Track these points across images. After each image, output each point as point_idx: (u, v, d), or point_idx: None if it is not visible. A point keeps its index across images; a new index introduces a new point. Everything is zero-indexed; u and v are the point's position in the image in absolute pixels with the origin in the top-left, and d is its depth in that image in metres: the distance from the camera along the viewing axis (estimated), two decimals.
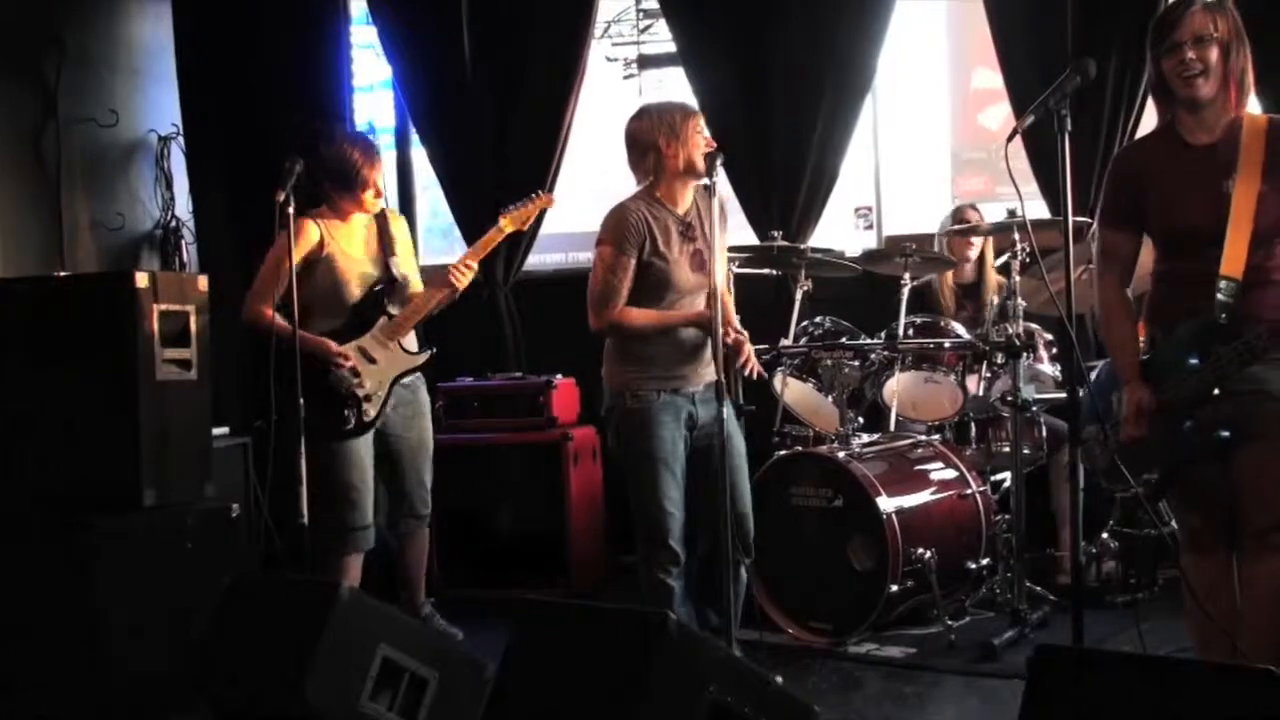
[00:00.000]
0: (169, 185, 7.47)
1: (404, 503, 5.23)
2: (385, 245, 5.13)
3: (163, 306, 4.65)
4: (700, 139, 4.48)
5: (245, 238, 6.92)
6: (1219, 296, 3.50)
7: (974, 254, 6.11)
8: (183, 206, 7.50)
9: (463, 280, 5.07)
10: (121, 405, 4.55)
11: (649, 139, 4.47)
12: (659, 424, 4.45)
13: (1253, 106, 3.76)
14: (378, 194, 5.10)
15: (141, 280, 4.61)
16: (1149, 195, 3.68)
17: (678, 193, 4.54)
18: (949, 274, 6.11)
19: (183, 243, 7.45)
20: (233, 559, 4.73)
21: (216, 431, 5.37)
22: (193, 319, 4.76)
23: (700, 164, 4.44)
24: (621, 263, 4.42)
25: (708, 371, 4.49)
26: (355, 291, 5.05)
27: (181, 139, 7.45)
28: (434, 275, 5.21)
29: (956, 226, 6.05)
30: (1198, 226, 3.56)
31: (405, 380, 5.14)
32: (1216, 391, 3.51)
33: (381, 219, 5.19)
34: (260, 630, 3.59)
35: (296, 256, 4.86)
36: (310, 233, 5.00)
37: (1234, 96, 3.57)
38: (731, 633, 4.29)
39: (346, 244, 5.08)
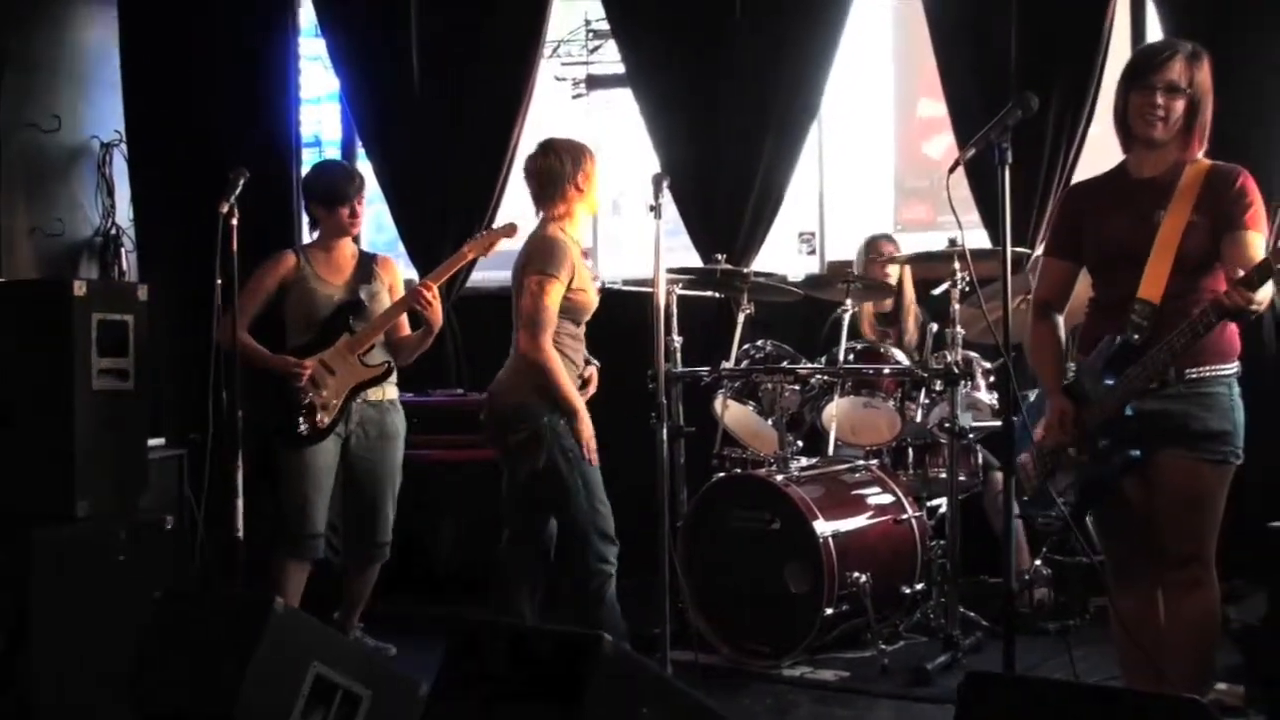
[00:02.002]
0: (110, 192, 7.41)
1: (358, 527, 5.21)
2: (361, 276, 5.23)
3: (101, 315, 4.62)
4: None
5: (187, 247, 6.89)
6: (1133, 317, 3.61)
7: (892, 283, 6.16)
8: (123, 214, 7.44)
9: (427, 299, 5.09)
10: (56, 414, 4.50)
11: (563, 173, 4.64)
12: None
13: None
14: (354, 214, 5.20)
15: (79, 288, 4.57)
16: (1087, 224, 3.80)
17: (581, 225, 4.74)
18: (868, 303, 6.17)
19: (123, 251, 7.39)
20: (166, 572, 4.69)
21: (152, 443, 5.32)
22: (131, 328, 4.73)
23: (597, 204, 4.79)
24: (558, 291, 4.54)
25: None
26: (327, 310, 5.15)
27: (124, 146, 7.39)
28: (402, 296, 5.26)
29: (886, 256, 6.11)
30: (1126, 251, 3.67)
31: (373, 399, 5.17)
32: (1129, 412, 3.62)
33: (369, 258, 5.34)
34: (192, 645, 3.56)
35: (273, 280, 5.13)
36: (287, 259, 5.18)
37: (1192, 146, 3.68)
38: (665, 653, 4.31)
39: (326, 270, 5.20)
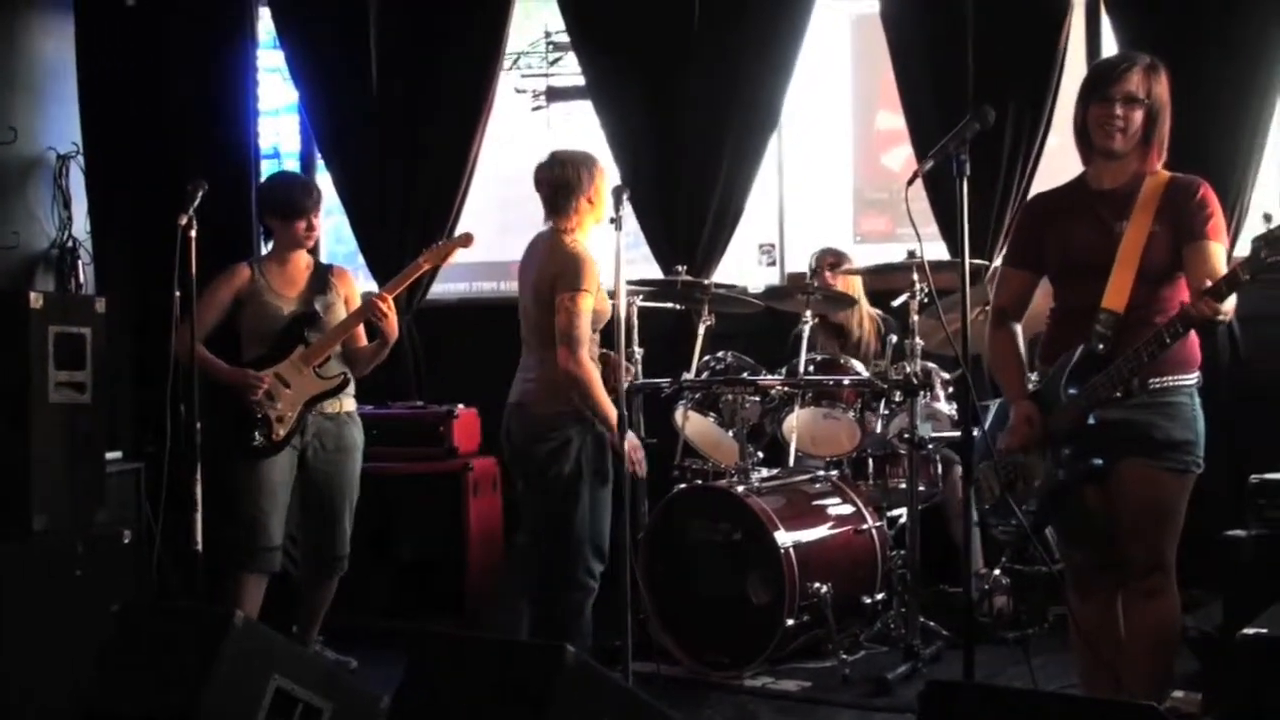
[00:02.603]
0: (67, 204, 7.34)
1: (316, 540, 5.19)
2: (317, 288, 5.22)
3: (58, 328, 4.58)
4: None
5: (144, 260, 6.84)
6: (1097, 328, 3.64)
7: (850, 292, 6.19)
8: (80, 226, 7.37)
9: (383, 310, 5.07)
10: (13, 428, 4.47)
11: (577, 185, 4.68)
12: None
13: None
14: (310, 227, 5.19)
15: (36, 300, 4.54)
16: (1048, 234, 3.84)
17: (590, 235, 4.75)
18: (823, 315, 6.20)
19: (80, 263, 7.32)
20: (124, 586, 4.65)
21: (110, 456, 5.28)
22: (89, 341, 4.70)
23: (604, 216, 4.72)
24: (589, 304, 4.58)
25: None
26: (282, 322, 5.13)
27: (81, 158, 7.33)
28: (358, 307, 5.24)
29: (846, 268, 6.15)
30: (1088, 262, 3.70)
31: (330, 412, 5.15)
32: (1093, 420, 3.65)
33: (324, 269, 5.33)
34: (151, 660, 3.53)
35: (228, 293, 5.10)
36: (242, 273, 5.15)
37: (1151, 157, 3.73)
38: (628, 664, 4.32)
39: (280, 282, 5.18)
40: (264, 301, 5.12)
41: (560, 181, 4.71)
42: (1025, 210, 4.08)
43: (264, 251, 5.30)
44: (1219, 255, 3.60)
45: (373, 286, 6.66)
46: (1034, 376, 3.90)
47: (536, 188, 4.78)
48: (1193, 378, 3.72)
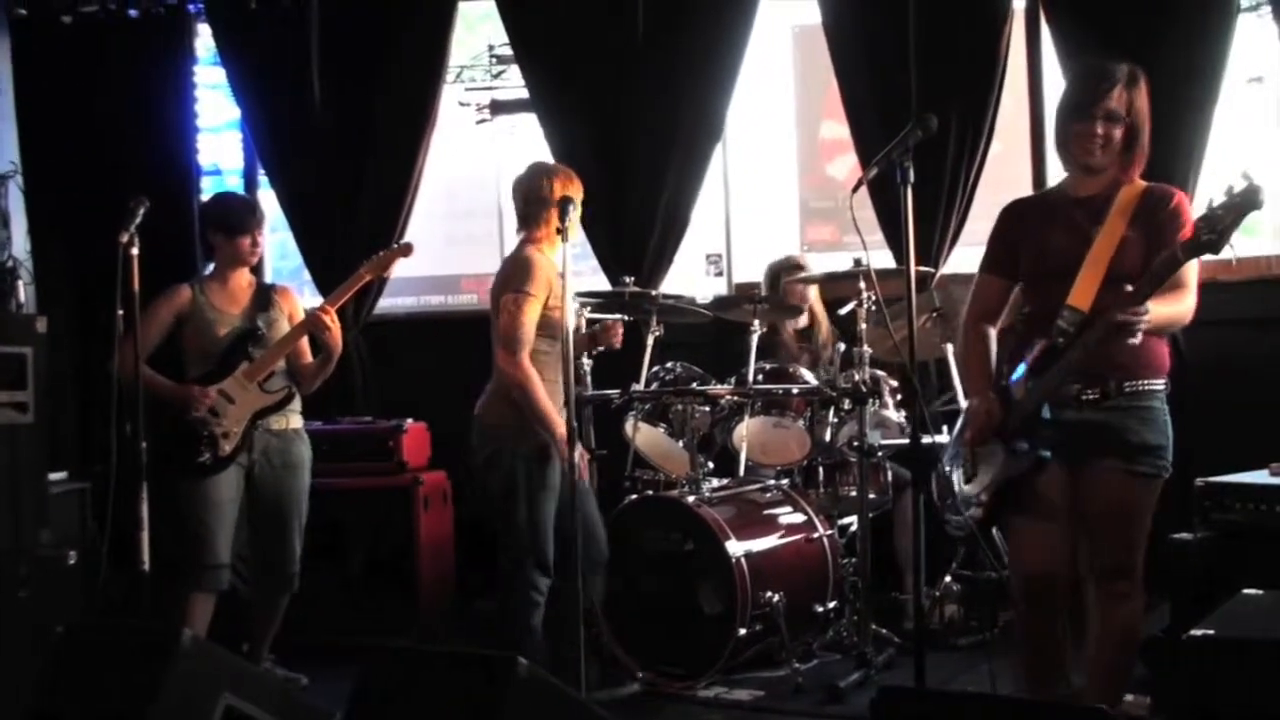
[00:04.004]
0: (6, 224, 7.26)
1: (265, 557, 5.15)
2: (259, 305, 5.20)
3: None
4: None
5: (86, 278, 6.78)
6: (1059, 323, 3.63)
7: (809, 302, 6.22)
8: (20, 246, 7.29)
9: (326, 323, 5.05)
10: None
11: (551, 197, 4.72)
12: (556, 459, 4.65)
13: None
14: (255, 244, 5.17)
15: None
16: (1024, 240, 3.85)
17: (556, 247, 4.76)
18: (788, 321, 6.22)
19: (19, 283, 7.24)
20: (70, 608, 4.60)
21: (54, 476, 5.23)
22: (30, 361, 4.65)
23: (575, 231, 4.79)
24: (534, 308, 4.60)
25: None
26: (225, 341, 5.11)
27: (20, 177, 7.25)
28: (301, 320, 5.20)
29: (803, 275, 6.15)
30: (1060, 265, 3.70)
31: (276, 429, 5.13)
32: (1046, 414, 3.67)
33: (267, 288, 5.34)
34: (97, 681, 3.48)
35: (168, 313, 5.07)
36: (182, 293, 5.13)
37: (1131, 169, 3.75)
38: (581, 675, 4.31)
39: (221, 300, 5.16)
40: (206, 320, 5.10)
41: (530, 192, 4.78)
42: (1002, 216, 4.03)
43: (206, 271, 5.27)
44: (1189, 268, 3.60)
45: (318, 302, 6.63)
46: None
47: (512, 197, 4.85)
48: (1163, 382, 3.75)
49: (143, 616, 4.52)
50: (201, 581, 4.97)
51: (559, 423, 4.53)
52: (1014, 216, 3.96)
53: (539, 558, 4.63)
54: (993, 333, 3.97)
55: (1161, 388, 3.74)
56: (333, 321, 5.07)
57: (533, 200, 4.77)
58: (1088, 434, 3.68)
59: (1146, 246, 3.63)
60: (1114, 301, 3.52)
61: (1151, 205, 3.69)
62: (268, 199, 7.22)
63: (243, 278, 5.24)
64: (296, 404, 5.21)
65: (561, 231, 4.49)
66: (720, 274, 7.01)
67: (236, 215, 5.17)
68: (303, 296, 5.55)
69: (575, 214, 4.64)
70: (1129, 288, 3.46)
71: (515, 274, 4.66)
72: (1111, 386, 3.65)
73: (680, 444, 5.65)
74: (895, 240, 6.11)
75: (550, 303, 4.66)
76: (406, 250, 5.26)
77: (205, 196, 7.06)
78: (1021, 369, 3.74)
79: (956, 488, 3.91)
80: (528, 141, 6.94)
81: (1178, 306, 3.65)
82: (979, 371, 3.93)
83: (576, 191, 4.78)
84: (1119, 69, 3.74)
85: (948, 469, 3.97)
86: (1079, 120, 3.71)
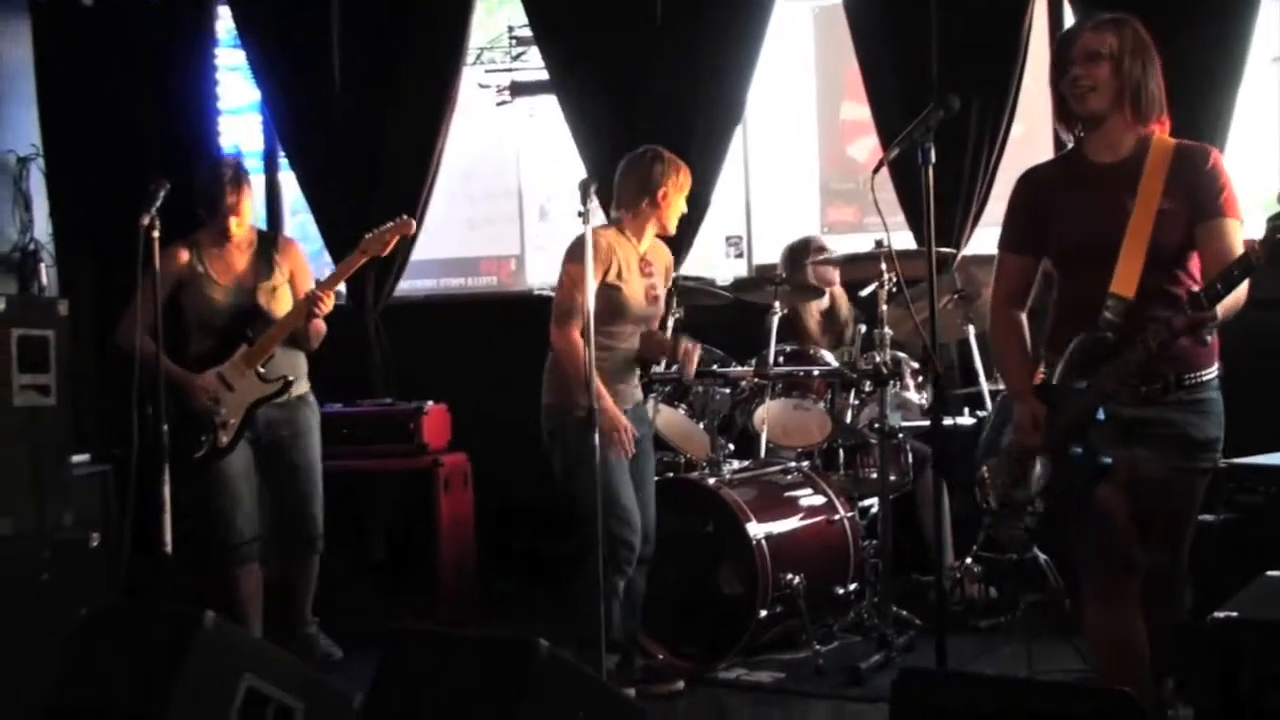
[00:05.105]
0: (28, 207, 7.28)
1: (288, 526, 5.20)
2: (259, 271, 5.14)
3: (21, 331, 4.55)
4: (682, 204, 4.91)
5: (107, 261, 6.80)
6: (1105, 314, 3.38)
7: (832, 283, 6.20)
8: (41, 229, 7.32)
9: (324, 307, 5.05)
10: None
11: (656, 183, 4.78)
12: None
13: None
14: (240, 221, 5.13)
15: None
16: (1050, 216, 3.58)
17: (645, 234, 4.84)
18: (812, 303, 6.19)
19: (41, 265, 7.26)
20: (93, 590, 4.62)
21: (76, 458, 5.25)
22: (52, 344, 4.66)
23: (672, 226, 4.90)
24: (585, 281, 4.51)
25: (635, 393, 4.95)
26: (225, 314, 5.09)
27: (41, 160, 7.28)
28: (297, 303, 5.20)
29: (824, 256, 6.12)
30: (1095, 242, 3.45)
31: (279, 400, 5.14)
32: (1101, 416, 3.40)
33: (268, 244, 5.27)
34: (119, 662, 3.50)
35: (167, 279, 4.91)
36: (179, 256, 5.08)
37: (1129, 110, 3.47)
38: (602, 657, 4.32)
39: (219, 267, 5.13)
40: (203, 287, 5.10)
41: (627, 174, 4.84)
42: (1020, 188, 3.70)
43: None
44: (1235, 233, 3.38)
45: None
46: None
47: (616, 175, 4.89)
48: (1216, 369, 3.47)
49: (166, 599, 4.54)
50: (235, 556, 5.05)
51: (600, 398, 4.49)
52: (1034, 188, 3.66)
53: (620, 516, 4.64)
54: (1023, 318, 3.70)
55: (1216, 375, 3.47)
56: (329, 302, 5.08)
57: (631, 180, 4.83)
58: (1148, 431, 3.40)
59: (1187, 218, 3.38)
60: (1162, 282, 3.35)
61: (1185, 168, 3.41)
62: (288, 181, 7.24)
63: (240, 237, 5.21)
64: (302, 368, 5.19)
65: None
66: (740, 256, 6.99)
67: (213, 192, 5.11)
68: (322, 276, 5.52)
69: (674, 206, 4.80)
70: (1197, 290, 3.25)
71: (572, 249, 4.69)
72: (1171, 380, 3.38)
73: (701, 425, 5.65)
74: (916, 222, 6.07)
75: (610, 279, 4.67)
76: (406, 227, 5.24)
77: None
78: (1068, 367, 3.45)
79: (1004, 494, 3.63)
80: (548, 123, 6.93)
81: (1237, 293, 3.30)
82: (1017, 368, 3.65)
83: (674, 186, 4.82)
84: (1097, 14, 3.56)
85: (985, 473, 3.69)
86: (1063, 74, 3.48)
